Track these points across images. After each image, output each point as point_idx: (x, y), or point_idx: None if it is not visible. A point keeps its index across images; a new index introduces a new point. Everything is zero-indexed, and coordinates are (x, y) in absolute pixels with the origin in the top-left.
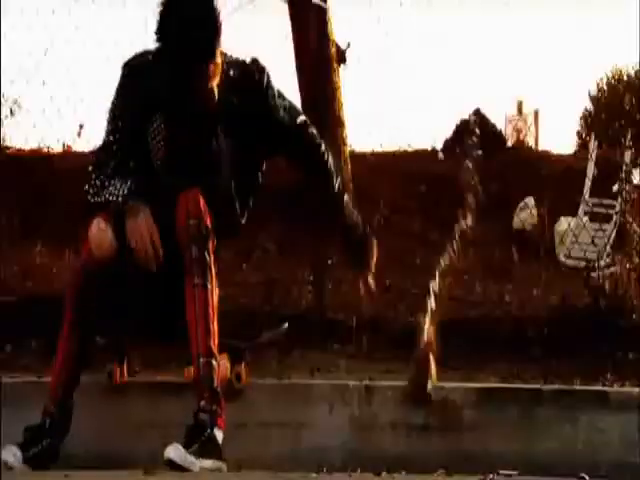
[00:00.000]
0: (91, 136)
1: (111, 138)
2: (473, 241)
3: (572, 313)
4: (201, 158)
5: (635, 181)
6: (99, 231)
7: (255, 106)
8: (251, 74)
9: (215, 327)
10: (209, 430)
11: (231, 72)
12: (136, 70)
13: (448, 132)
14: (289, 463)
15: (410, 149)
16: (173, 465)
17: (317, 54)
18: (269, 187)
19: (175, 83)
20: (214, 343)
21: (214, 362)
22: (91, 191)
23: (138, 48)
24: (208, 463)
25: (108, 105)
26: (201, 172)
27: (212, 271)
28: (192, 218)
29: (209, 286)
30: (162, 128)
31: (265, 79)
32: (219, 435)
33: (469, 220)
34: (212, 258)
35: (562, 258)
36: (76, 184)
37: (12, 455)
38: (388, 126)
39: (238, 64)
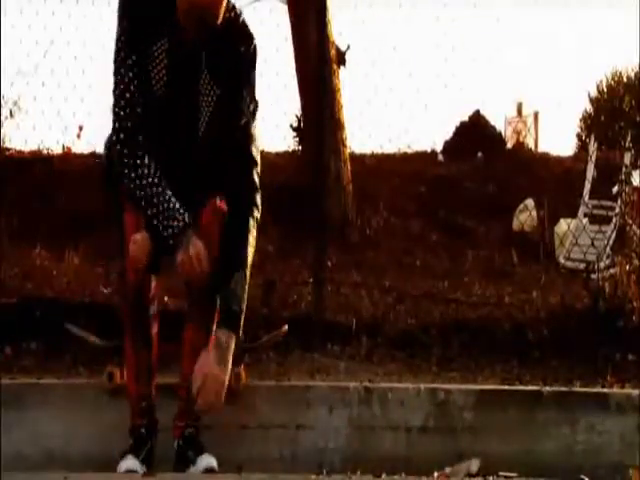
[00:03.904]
0: (91, 138)
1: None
2: (473, 243)
3: (572, 315)
4: (195, 83)
5: (635, 183)
6: (141, 245)
7: (239, 60)
8: (249, 37)
9: None
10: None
11: (233, 15)
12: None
13: (448, 134)
14: (289, 465)
15: (410, 151)
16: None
17: (317, 56)
18: (268, 187)
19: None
20: None
21: None
22: (130, 176)
23: None
24: None
25: (107, 106)
26: (193, 94)
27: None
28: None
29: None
30: (164, 55)
31: (255, 55)
32: None
33: None
34: None
35: (562, 260)
36: (76, 185)
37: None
38: (388, 128)
39: (244, 22)
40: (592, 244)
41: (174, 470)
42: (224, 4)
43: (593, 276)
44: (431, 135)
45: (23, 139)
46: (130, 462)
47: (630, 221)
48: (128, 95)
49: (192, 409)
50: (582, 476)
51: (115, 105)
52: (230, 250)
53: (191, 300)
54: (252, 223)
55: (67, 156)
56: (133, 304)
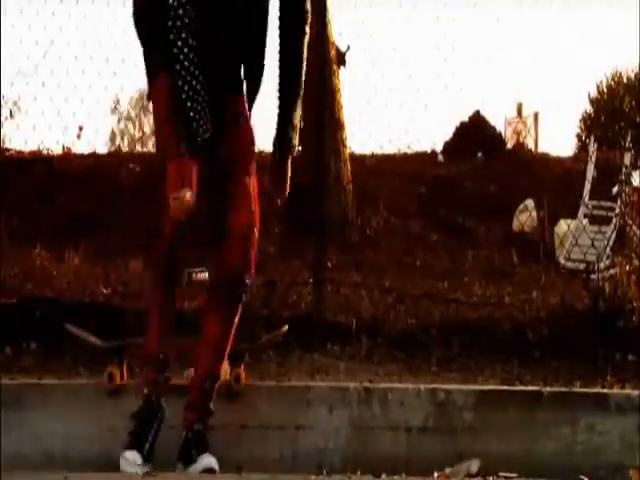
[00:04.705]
0: (91, 138)
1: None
2: (473, 243)
3: (572, 315)
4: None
5: (635, 183)
6: (183, 202)
7: None
8: None
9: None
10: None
11: None
12: None
13: (448, 134)
14: (289, 465)
15: (410, 151)
16: (211, 471)
17: (316, 56)
18: (268, 187)
19: None
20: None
21: (216, 384)
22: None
23: (137, 49)
24: None
25: (107, 106)
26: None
27: None
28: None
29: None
30: None
31: None
32: None
33: None
34: None
35: (562, 260)
36: (76, 185)
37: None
38: (388, 128)
39: None
40: (592, 244)
41: (177, 461)
42: None
43: (593, 276)
44: (431, 135)
45: (23, 139)
46: (130, 454)
47: (630, 221)
48: None
49: (201, 403)
50: (582, 476)
51: None
52: (289, 79)
53: (211, 294)
54: (304, 48)
55: (67, 156)
56: (166, 256)
